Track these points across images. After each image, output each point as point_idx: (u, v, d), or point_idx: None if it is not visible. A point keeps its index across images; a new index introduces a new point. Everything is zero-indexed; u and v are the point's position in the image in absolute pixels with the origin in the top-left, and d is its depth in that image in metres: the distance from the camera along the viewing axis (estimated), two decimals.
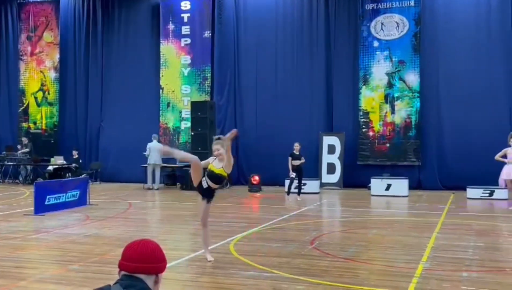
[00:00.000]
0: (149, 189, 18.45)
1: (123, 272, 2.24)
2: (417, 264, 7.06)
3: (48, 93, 22.78)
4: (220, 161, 7.15)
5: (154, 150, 18.57)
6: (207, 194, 7.23)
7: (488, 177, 14.97)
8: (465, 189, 15.80)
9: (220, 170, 7.11)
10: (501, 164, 12.90)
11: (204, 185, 7.15)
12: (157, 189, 18.55)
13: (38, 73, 22.85)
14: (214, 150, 7.18)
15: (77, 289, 5.92)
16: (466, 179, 16.37)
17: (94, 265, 7.05)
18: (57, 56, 22.60)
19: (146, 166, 18.93)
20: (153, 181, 18.80)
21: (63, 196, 12.70)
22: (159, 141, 18.86)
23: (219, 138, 7.32)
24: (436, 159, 18.00)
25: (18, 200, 14.95)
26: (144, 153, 18.87)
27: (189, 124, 19.65)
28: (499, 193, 14.87)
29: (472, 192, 15.52)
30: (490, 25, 17.64)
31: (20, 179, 20.93)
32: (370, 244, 8.75)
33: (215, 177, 7.13)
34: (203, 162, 7.27)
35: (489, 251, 8.06)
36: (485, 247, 8.31)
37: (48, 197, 12.23)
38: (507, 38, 17.38)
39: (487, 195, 15.33)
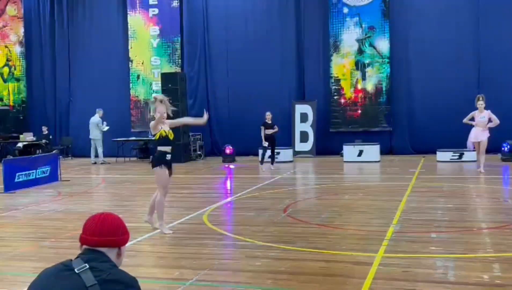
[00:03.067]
0: (93, 163, 18.42)
1: (84, 246, 2.21)
2: (387, 227, 7.18)
3: (15, 69, 22.24)
4: (165, 123, 7.29)
5: (92, 125, 18.58)
6: (170, 164, 7.39)
7: (457, 140, 15.23)
8: (435, 153, 16.08)
9: (171, 133, 7.35)
10: (470, 127, 13.10)
11: (169, 157, 7.30)
12: (102, 163, 18.39)
13: (3, 48, 22.24)
14: (162, 112, 7.05)
15: (49, 265, 5.82)
16: (436, 142, 16.65)
17: (66, 241, 7.00)
18: (21, 30, 22.00)
19: (116, 141, 18.96)
20: (96, 156, 18.68)
21: (33, 172, 12.51)
22: (101, 117, 18.78)
23: (161, 100, 7.22)
24: (407, 124, 18.21)
25: None
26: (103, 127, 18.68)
27: None
28: (468, 156, 15.19)
29: (442, 155, 15.81)
30: None
31: None
32: (342, 209, 8.87)
33: (171, 142, 7.36)
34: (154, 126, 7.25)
35: (457, 212, 8.25)
36: (454, 209, 8.50)
37: (17, 174, 12.04)
38: (475, 2, 17.48)
39: (457, 157, 15.64)
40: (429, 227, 7.19)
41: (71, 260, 2.17)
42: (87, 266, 2.09)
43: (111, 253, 2.20)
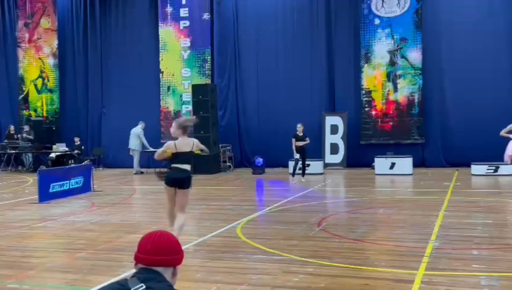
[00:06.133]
0: (135, 173, 18.65)
1: (139, 265, 2.17)
2: (426, 243, 7.02)
3: (48, 80, 22.62)
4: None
5: (132, 135, 18.95)
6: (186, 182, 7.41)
7: (492, 153, 14.88)
8: (469, 166, 15.74)
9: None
10: (506, 140, 12.80)
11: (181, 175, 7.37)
12: (135, 173, 18.54)
13: (37, 60, 22.66)
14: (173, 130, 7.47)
15: (86, 277, 5.88)
16: (470, 155, 16.28)
17: (102, 252, 7.01)
18: (55, 42, 22.40)
19: (146, 152, 19.16)
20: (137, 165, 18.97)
21: (67, 183, 12.64)
22: (144, 129, 19.17)
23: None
24: (440, 136, 17.90)
25: (23, 188, 14.91)
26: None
27: (190, 107, 19.55)
28: (504, 169, 14.81)
29: (477, 168, 15.45)
30: None
31: (25, 167, 20.88)
32: (378, 224, 8.72)
33: (187, 157, 7.41)
34: (160, 149, 7.53)
35: (498, 228, 8.02)
36: (494, 224, 8.27)
37: (52, 184, 12.17)
38: (509, 12, 17.16)
39: (492, 171, 15.27)
40: (469, 244, 7.00)
41: (126, 279, 2.12)
42: (144, 287, 2.04)
43: (166, 273, 2.15)
